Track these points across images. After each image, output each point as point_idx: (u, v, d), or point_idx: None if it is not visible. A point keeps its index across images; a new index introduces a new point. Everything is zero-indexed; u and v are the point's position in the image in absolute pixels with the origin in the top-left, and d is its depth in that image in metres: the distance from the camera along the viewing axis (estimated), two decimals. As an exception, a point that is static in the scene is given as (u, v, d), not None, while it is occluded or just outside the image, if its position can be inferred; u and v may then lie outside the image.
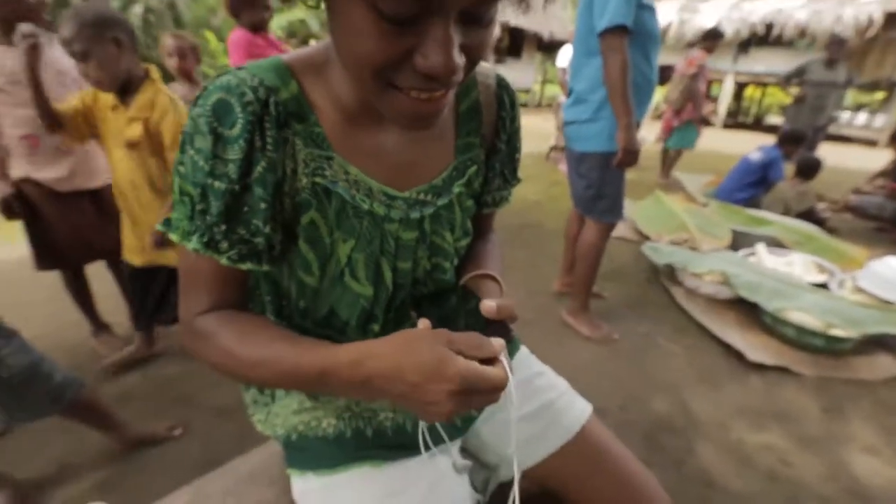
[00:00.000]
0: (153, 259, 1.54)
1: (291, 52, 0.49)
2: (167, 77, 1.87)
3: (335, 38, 0.39)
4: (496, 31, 0.42)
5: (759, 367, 1.87)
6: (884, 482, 1.37)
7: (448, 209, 0.56)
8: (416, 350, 0.39)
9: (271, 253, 0.48)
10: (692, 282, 2.41)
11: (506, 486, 0.72)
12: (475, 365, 0.38)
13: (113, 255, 1.71)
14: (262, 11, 2.00)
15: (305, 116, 0.46)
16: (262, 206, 0.44)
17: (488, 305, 0.46)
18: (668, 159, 5.06)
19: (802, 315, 1.95)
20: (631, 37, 1.54)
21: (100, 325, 1.84)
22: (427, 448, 0.57)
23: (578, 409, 0.68)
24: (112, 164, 1.45)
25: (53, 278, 1.73)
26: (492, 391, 0.39)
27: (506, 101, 0.59)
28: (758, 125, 14.06)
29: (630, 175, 1.86)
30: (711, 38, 4.35)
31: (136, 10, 8.15)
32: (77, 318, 1.83)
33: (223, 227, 0.44)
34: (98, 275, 1.84)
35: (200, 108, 0.42)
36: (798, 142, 3.64)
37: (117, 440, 1.28)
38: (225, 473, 0.65)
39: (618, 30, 1.50)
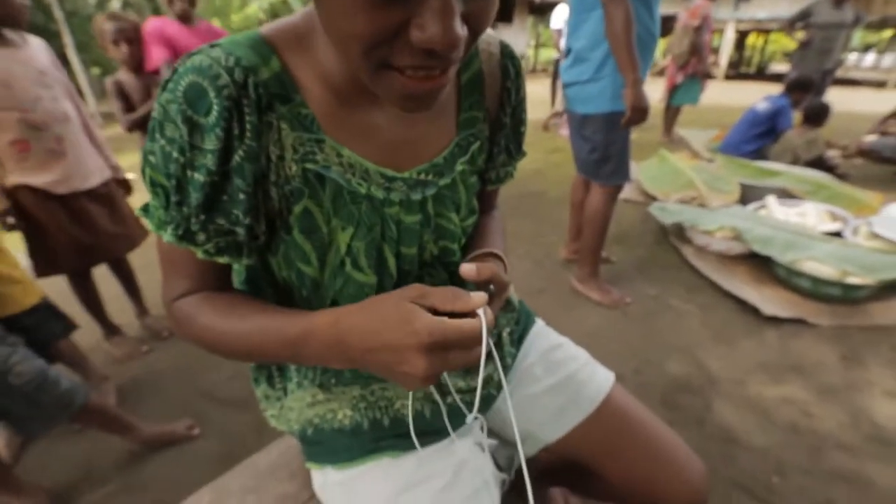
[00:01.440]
0: None
1: (271, 24, 0.44)
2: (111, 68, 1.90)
3: (320, 13, 0.35)
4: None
5: (775, 321, 1.85)
6: (906, 426, 1.37)
7: (451, 188, 0.52)
8: (384, 305, 0.38)
9: (253, 245, 0.45)
10: (702, 239, 2.37)
11: (531, 462, 0.71)
12: (443, 318, 0.37)
13: (117, 255, 1.69)
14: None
15: (290, 97, 0.42)
16: (242, 196, 0.41)
17: (467, 267, 0.44)
18: (670, 116, 4.92)
19: (817, 265, 1.91)
20: None
21: (111, 328, 1.84)
22: (452, 430, 0.55)
23: (601, 379, 0.66)
24: None
25: (62, 284, 1.73)
26: (466, 345, 0.37)
27: (511, 71, 0.55)
28: (761, 74, 13.64)
29: (632, 135, 1.80)
30: None
31: (114, 4, 7.94)
32: (87, 321, 1.83)
33: (201, 218, 0.41)
34: (104, 277, 1.83)
35: (170, 93, 0.38)
36: (806, 88, 3.51)
37: (135, 441, 1.29)
38: (244, 470, 0.65)
39: None
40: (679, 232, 2.56)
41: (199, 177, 0.40)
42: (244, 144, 0.40)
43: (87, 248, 1.59)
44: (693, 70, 4.41)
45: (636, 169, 3.38)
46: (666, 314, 1.95)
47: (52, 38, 12.18)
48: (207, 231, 0.42)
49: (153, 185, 0.41)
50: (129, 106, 1.89)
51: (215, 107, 0.38)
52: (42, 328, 1.32)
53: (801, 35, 4.14)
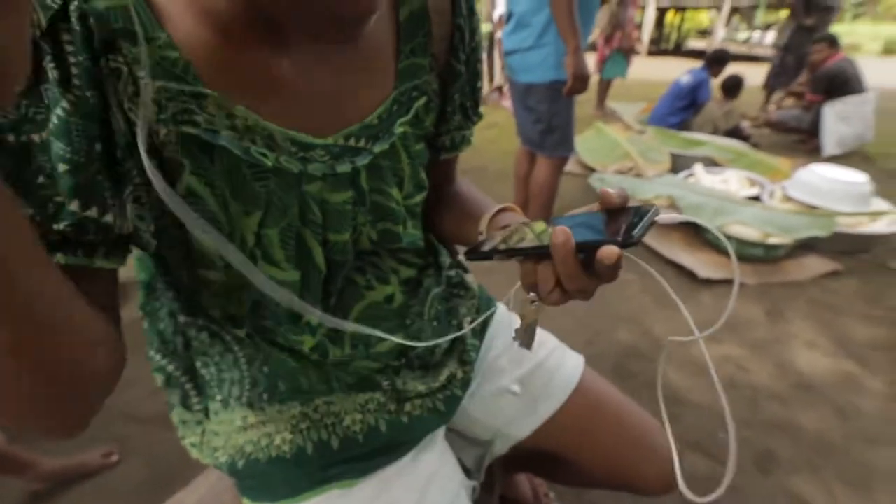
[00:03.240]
0: None
1: None
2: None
3: None
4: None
5: (708, 283, 1.95)
6: (823, 371, 1.49)
7: (390, 157, 0.42)
8: None
9: (105, 243, 0.32)
10: (639, 209, 2.45)
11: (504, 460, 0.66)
12: None
13: None
14: None
15: (149, 37, 0.31)
16: (64, 167, 0.28)
17: (605, 191, 0.35)
18: (602, 89, 5.06)
19: (742, 228, 2.04)
20: None
21: None
22: (410, 448, 0.47)
23: (571, 365, 0.62)
24: None
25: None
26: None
27: (461, 5, 0.44)
28: (679, 51, 14.49)
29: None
30: None
31: None
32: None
33: None
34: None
35: None
36: (722, 62, 3.74)
37: (37, 480, 1.08)
38: (165, 513, 0.53)
39: None
40: (618, 203, 2.63)
41: None
42: (70, 94, 0.28)
43: None
44: (618, 45, 4.51)
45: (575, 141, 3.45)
46: (611, 285, 1.99)
47: None
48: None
49: None
50: None
51: None
52: None
53: (811, 21, 4.27)
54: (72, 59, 0.28)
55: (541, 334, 0.65)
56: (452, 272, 0.61)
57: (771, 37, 12.02)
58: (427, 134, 0.47)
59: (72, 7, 0.27)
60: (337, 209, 0.40)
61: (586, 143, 3.40)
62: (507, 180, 2.35)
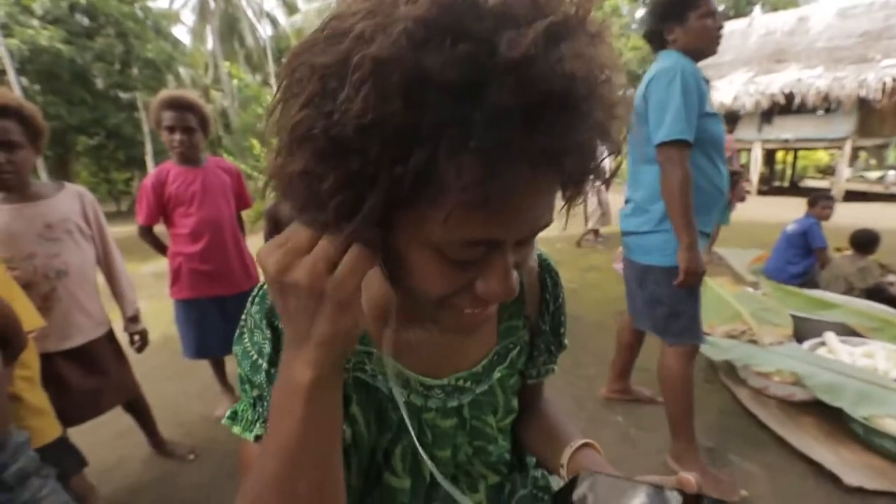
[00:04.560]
0: None
1: None
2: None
3: (392, 268, 0.38)
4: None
5: (861, 492, 1.57)
6: None
7: (489, 394, 0.54)
8: None
9: None
10: (758, 381, 2.16)
11: None
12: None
13: (100, 412, 1.57)
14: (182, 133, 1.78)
15: None
16: None
17: (686, 478, 0.37)
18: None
19: (901, 425, 1.67)
20: (694, 143, 1.40)
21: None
22: None
23: None
24: None
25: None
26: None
27: (548, 283, 0.58)
28: (795, 188, 13.73)
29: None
30: (730, 122, 4.61)
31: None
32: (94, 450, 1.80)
33: None
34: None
35: (258, 305, 0.46)
36: (827, 198, 3.50)
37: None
38: None
39: (677, 143, 1.37)
40: (731, 370, 2.36)
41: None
42: None
43: (78, 408, 1.47)
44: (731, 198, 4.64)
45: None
46: (731, 473, 1.70)
47: (136, 146, 14.23)
48: None
49: (242, 382, 0.47)
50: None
51: None
52: (59, 462, 1.28)
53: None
54: None
55: None
56: (538, 473, 0.66)
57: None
58: (518, 371, 0.58)
59: None
60: (444, 432, 0.52)
61: (690, 295, 3.22)
62: (605, 333, 2.28)
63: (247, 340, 0.46)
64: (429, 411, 0.51)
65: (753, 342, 2.39)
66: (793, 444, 1.82)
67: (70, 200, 1.48)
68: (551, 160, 0.29)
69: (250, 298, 0.47)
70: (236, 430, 0.46)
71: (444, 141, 0.27)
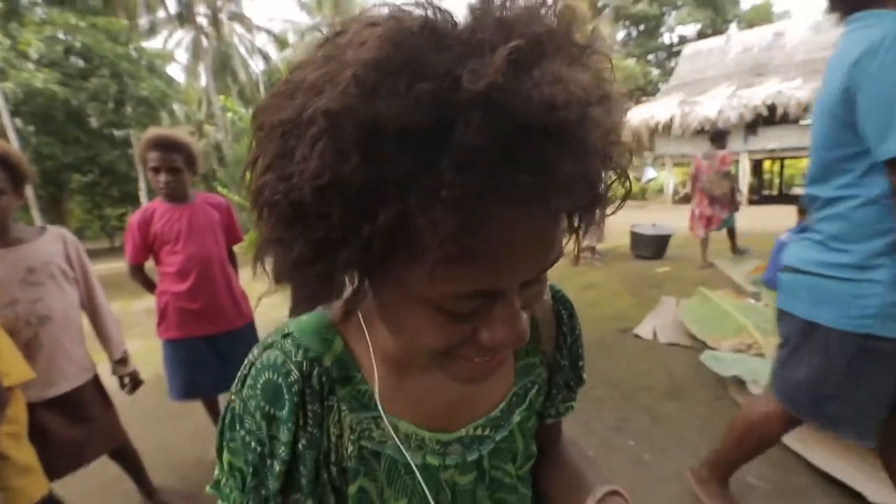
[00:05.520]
0: None
1: (340, 305, 0.41)
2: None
3: (389, 322, 0.37)
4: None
5: (887, 510, 1.50)
6: None
7: (508, 440, 0.50)
8: None
9: None
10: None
11: None
12: None
13: (84, 463, 1.49)
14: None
15: (350, 377, 0.44)
16: (304, 482, 0.42)
17: None
18: (704, 244, 4.99)
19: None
20: None
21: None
22: None
23: None
24: None
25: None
26: None
27: (564, 316, 0.54)
28: (784, 196, 13.92)
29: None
30: (720, 139, 4.90)
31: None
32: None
33: (278, 500, 0.42)
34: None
35: (250, 389, 0.42)
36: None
37: None
38: None
39: None
40: (741, 386, 2.30)
41: (277, 465, 0.41)
42: (307, 433, 0.41)
43: (65, 457, 1.40)
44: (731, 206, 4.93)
45: (679, 307, 3.24)
46: (749, 498, 1.63)
47: (130, 182, 14.26)
48: None
49: (231, 469, 0.43)
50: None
51: (287, 402, 0.41)
52: None
53: None
54: (310, 408, 0.41)
55: None
56: None
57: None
58: (537, 411, 0.54)
59: (315, 372, 0.41)
60: (463, 489, 0.48)
61: (692, 312, 3.18)
62: (608, 352, 2.23)
63: (238, 428, 0.42)
64: (447, 469, 0.47)
65: (760, 356, 2.35)
66: (812, 461, 1.75)
67: (52, 243, 1.44)
68: (542, 197, 0.26)
69: (239, 378, 0.43)
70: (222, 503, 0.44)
71: (412, 194, 0.25)
